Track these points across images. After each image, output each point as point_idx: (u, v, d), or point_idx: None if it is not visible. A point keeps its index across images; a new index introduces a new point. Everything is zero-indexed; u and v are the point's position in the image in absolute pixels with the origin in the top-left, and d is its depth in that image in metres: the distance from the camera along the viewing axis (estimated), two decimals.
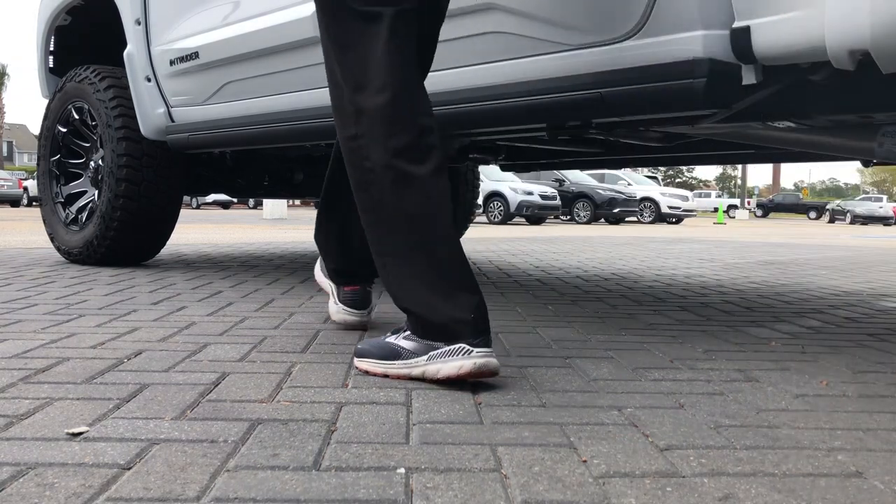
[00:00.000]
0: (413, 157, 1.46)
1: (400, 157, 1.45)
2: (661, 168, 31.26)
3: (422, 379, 1.41)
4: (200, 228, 8.87)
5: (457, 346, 1.38)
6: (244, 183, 4.12)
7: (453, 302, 1.41)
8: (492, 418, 1.18)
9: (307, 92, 2.64)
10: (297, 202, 36.72)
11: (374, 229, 1.52)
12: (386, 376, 1.45)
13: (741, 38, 1.60)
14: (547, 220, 17.32)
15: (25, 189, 25.29)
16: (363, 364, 1.49)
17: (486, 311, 1.44)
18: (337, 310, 1.97)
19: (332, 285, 2.02)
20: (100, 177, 3.41)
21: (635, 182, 21.66)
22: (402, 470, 0.95)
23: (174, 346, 1.67)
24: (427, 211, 1.45)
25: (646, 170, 23.38)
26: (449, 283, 1.44)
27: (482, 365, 1.37)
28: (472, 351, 1.37)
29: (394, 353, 1.46)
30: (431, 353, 1.40)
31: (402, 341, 1.46)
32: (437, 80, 2.23)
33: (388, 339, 1.49)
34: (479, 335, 1.40)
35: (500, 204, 15.99)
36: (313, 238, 2.08)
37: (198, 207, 27.52)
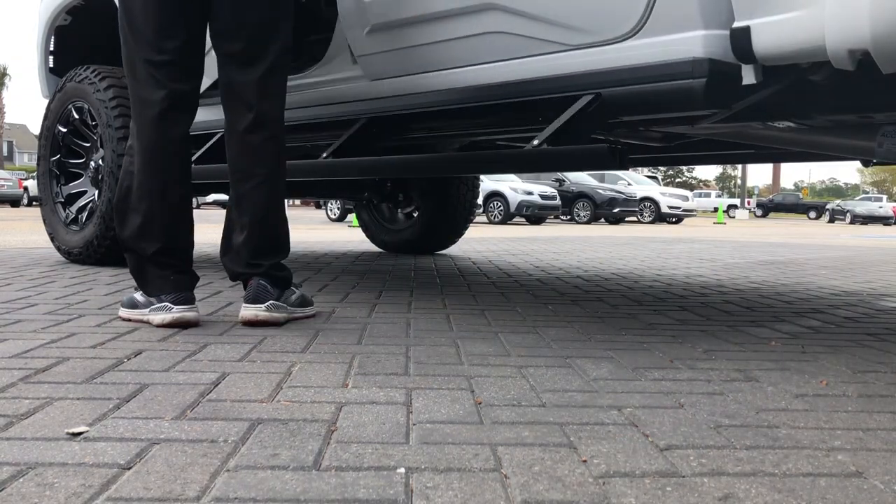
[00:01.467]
0: None
1: None
2: (661, 168, 31.26)
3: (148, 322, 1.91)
4: (200, 228, 8.86)
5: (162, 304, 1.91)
6: None
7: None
8: (492, 418, 1.18)
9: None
10: (298, 202, 36.74)
11: None
12: (128, 319, 1.97)
13: (741, 38, 1.60)
14: (547, 220, 17.32)
15: (25, 189, 25.26)
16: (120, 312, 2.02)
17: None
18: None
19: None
20: (100, 177, 3.41)
21: (635, 182, 21.65)
22: (402, 470, 0.95)
23: (174, 346, 1.67)
24: None
25: (646, 170, 23.37)
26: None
27: (180, 317, 1.89)
28: (172, 308, 1.89)
29: (132, 303, 1.99)
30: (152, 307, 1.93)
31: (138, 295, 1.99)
32: (437, 80, 2.23)
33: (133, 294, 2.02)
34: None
35: (500, 204, 15.99)
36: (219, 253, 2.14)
37: (198, 207, 27.47)
